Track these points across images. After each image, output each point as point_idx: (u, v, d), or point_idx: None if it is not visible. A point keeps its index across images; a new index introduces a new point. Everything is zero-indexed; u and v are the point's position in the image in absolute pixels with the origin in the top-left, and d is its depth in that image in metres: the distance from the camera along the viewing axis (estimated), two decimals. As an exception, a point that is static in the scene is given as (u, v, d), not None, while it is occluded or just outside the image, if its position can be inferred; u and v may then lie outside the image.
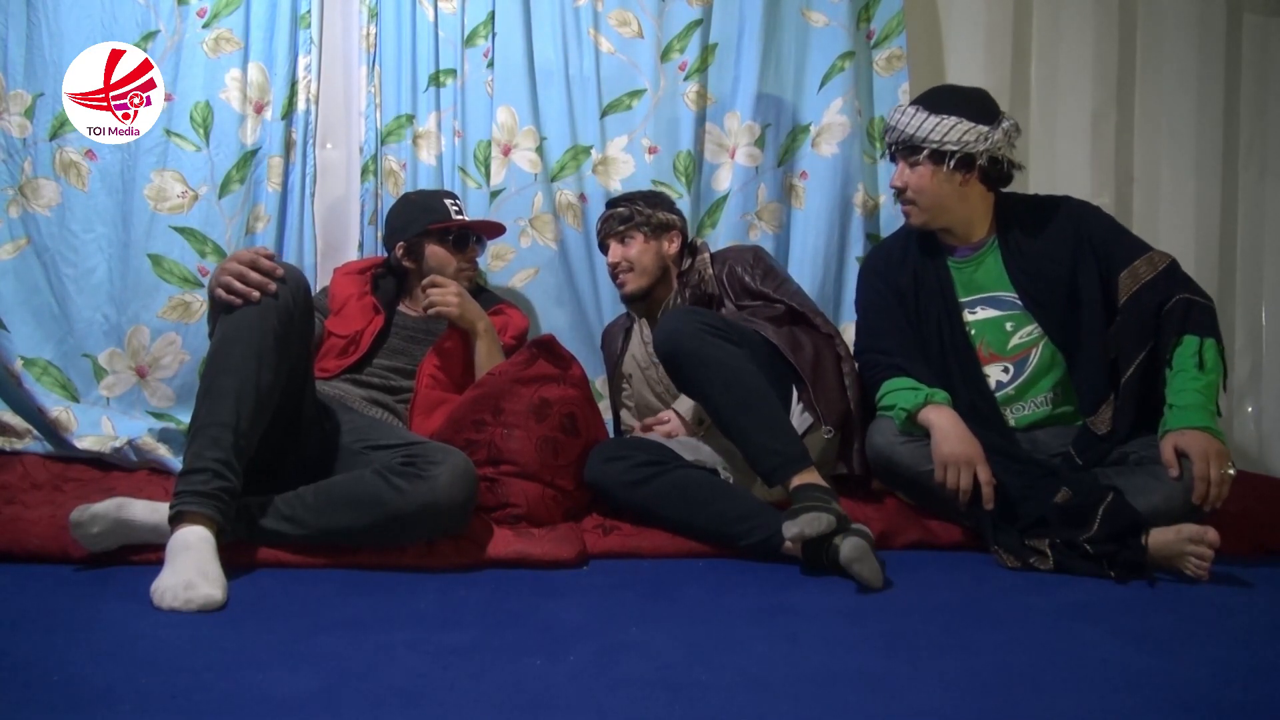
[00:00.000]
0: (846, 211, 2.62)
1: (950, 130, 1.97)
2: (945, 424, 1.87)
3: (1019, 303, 2.03)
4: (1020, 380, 2.03)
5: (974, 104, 2.01)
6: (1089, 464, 1.93)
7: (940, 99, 2.03)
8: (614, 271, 2.35)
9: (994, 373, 2.04)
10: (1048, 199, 2.13)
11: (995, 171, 2.02)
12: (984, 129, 1.97)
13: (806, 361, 2.03)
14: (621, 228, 2.33)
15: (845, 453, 2.08)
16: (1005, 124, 2.00)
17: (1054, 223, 2.04)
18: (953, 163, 1.98)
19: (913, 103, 2.06)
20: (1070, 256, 2.00)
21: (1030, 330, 2.02)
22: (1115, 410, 1.93)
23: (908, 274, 2.12)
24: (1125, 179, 2.89)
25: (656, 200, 2.40)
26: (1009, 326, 2.04)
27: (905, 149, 2.03)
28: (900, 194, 2.07)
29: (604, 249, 2.40)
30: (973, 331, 2.06)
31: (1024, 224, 2.06)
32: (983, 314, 2.06)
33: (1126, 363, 1.93)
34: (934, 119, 1.98)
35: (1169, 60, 2.89)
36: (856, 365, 2.13)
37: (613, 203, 2.39)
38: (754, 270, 2.25)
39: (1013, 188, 2.77)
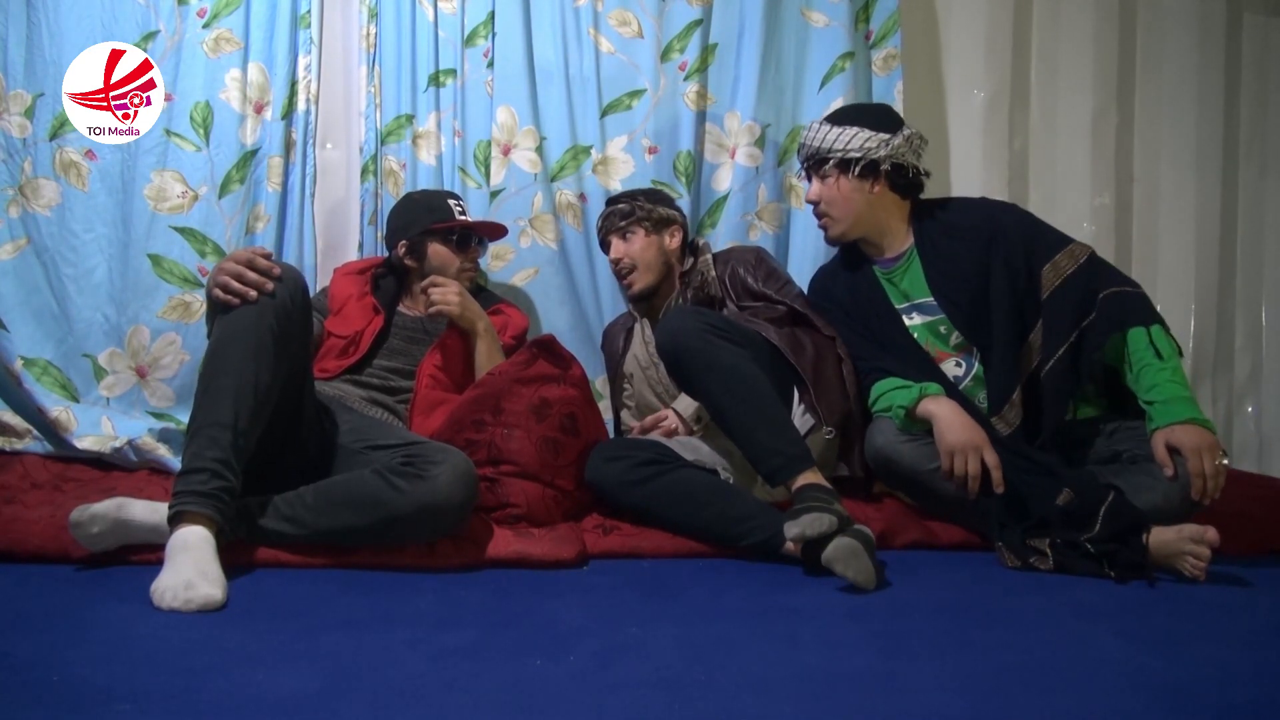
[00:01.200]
0: (846, 211, 2.62)
1: (852, 139, 2.05)
2: (946, 413, 1.88)
3: (939, 307, 2.06)
4: (975, 370, 2.05)
5: (875, 116, 2.12)
6: (1074, 463, 1.93)
7: (843, 114, 2.14)
8: (619, 270, 2.34)
9: (949, 368, 2.07)
10: (964, 201, 2.19)
11: (902, 179, 2.08)
12: (885, 136, 2.05)
13: (808, 362, 2.03)
14: (623, 223, 2.33)
15: (846, 454, 2.09)
16: (906, 132, 2.08)
17: (969, 224, 2.08)
18: (858, 169, 2.05)
19: (819, 120, 2.14)
20: (983, 256, 2.03)
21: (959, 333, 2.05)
22: (1025, 408, 1.95)
23: (842, 288, 2.18)
24: (1125, 179, 2.90)
25: (657, 196, 2.40)
26: (942, 330, 2.07)
27: (814, 163, 2.11)
28: (815, 208, 2.14)
29: (605, 246, 2.40)
30: (915, 335, 2.09)
31: (942, 228, 2.10)
32: (918, 319, 2.10)
33: (1048, 356, 1.94)
34: (836, 130, 2.07)
35: (1169, 60, 2.90)
36: None
37: (613, 199, 2.39)
38: (756, 271, 2.25)
39: (1014, 187, 2.77)
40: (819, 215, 2.15)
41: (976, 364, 2.04)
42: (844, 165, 2.06)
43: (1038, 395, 1.96)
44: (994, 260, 2.01)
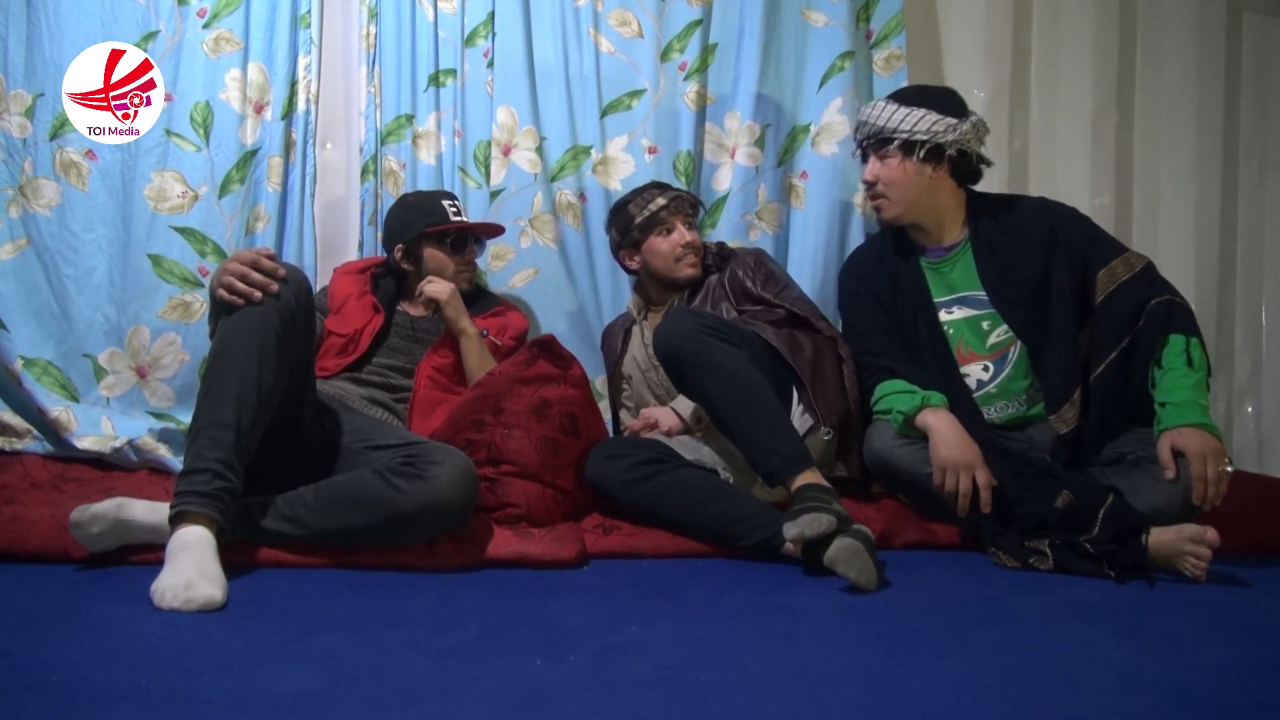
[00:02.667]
0: (846, 211, 2.62)
1: (920, 120, 2.01)
2: (943, 428, 1.87)
3: (990, 302, 2.05)
4: (1001, 378, 2.04)
5: (943, 99, 2.07)
6: (1068, 463, 1.93)
7: (910, 94, 2.09)
8: (689, 252, 2.29)
9: (974, 371, 2.06)
10: (1023, 199, 2.16)
11: (965, 166, 2.06)
12: (952, 120, 2.02)
13: (806, 362, 2.03)
14: (692, 212, 2.34)
15: (844, 455, 2.08)
16: (973, 118, 2.05)
17: (1028, 222, 2.07)
18: (923, 153, 2.01)
19: (884, 99, 2.10)
20: (1043, 255, 2.02)
21: (1005, 329, 2.04)
22: (1082, 408, 1.95)
23: (884, 276, 2.15)
24: (1125, 179, 2.90)
25: None
26: (985, 325, 2.06)
27: (876, 142, 2.06)
28: (871, 188, 2.10)
29: (661, 226, 2.29)
30: (950, 331, 2.08)
31: (998, 223, 2.08)
32: (959, 313, 2.08)
33: (1098, 360, 1.95)
34: (904, 110, 2.02)
35: (1169, 60, 2.89)
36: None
37: (667, 186, 2.36)
38: (755, 274, 2.25)
39: (1014, 187, 2.77)
40: (874, 196, 2.10)
41: (1008, 370, 2.03)
42: (908, 147, 2.02)
43: (1087, 398, 1.96)
44: (1055, 260, 2.01)
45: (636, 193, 2.36)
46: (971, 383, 2.05)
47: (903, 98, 2.07)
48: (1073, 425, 1.95)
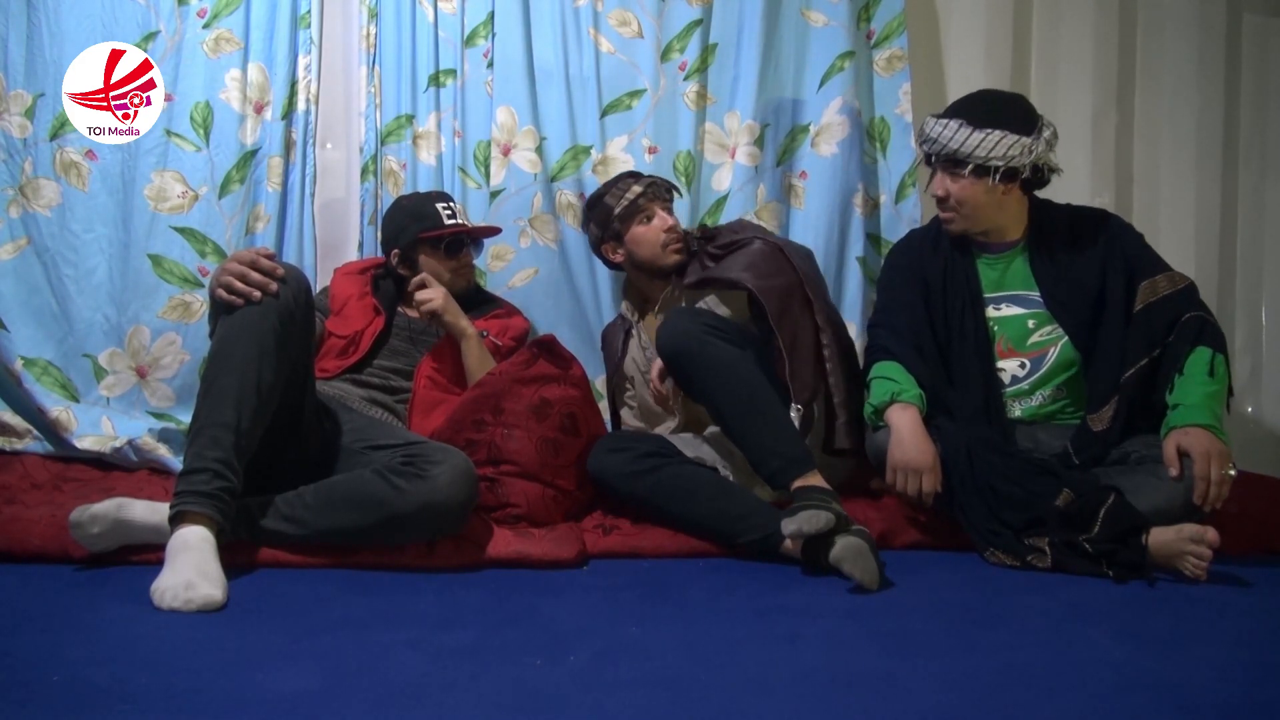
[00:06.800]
0: (846, 211, 2.62)
1: (995, 145, 1.95)
2: (904, 427, 1.89)
3: (1043, 303, 2.06)
4: (1035, 376, 2.06)
5: (1015, 114, 2.00)
6: (1085, 463, 1.94)
7: (981, 112, 1.99)
8: (674, 236, 2.27)
9: (1010, 366, 2.07)
10: (1084, 209, 2.17)
11: (1036, 178, 2.04)
12: (1026, 141, 1.95)
13: (788, 335, 2.01)
14: (669, 197, 2.34)
15: (829, 432, 2.07)
16: (1046, 132, 1.99)
17: (1087, 231, 2.08)
18: (997, 177, 1.98)
19: (951, 115, 2.02)
20: (1100, 263, 2.03)
21: (1050, 330, 2.05)
22: (1116, 409, 1.96)
23: (937, 266, 2.14)
24: (1125, 179, 2.89)
25: None
26: (1031, 324, 2.07)
27: (948, 162, 2.02)
28: (942, 203, 2.07)
29: (642, 213, 2.29)
30: (995, 327, 2.09)
31: (1057, 229, 2.09)
32: (1007, 311, 2.09)
33: (1128, 365, 1.96)
34: (978, 134, 1.96)
35: (1169, 60, 2.89)
36: (867, 337, 2.20)
37: (640, 174, 2.36)
38: (726, 232, 2.28)
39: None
40: (945, 209, 2.07)
41: (1044, 370, 2.05)
42: (982, 171, 1.97)
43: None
44: (1110, 268, 2.02)
45: (610, 184, 2.34)
46: (1005, 378, 2.07)
47: (974, 117, 1.98)
48: (1107, 425, 1.96)
